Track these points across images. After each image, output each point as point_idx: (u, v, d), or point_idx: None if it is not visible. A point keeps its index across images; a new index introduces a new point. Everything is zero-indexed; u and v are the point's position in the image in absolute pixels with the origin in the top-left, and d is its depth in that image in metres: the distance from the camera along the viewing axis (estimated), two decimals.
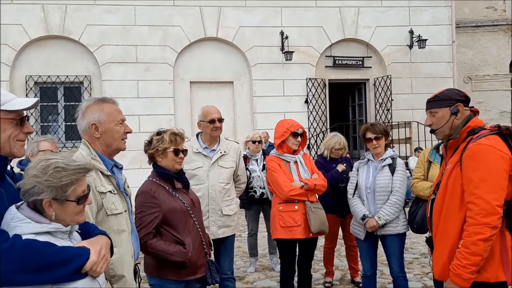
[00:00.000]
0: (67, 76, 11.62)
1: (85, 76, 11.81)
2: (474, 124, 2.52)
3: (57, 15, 11.59)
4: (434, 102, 2.63)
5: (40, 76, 11.46)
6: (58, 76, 11.55)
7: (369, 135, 4.20)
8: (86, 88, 11.83)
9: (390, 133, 7.57)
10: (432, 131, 2.67)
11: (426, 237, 2.93)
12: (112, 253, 1.87)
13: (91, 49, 11.78)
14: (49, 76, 11.48)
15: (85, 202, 1.77)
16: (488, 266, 2.33)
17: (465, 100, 2.60)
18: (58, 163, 1.68)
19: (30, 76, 11.43)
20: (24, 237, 1.58)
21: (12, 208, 1.66)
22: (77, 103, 11.79)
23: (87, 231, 1.85)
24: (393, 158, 4.18)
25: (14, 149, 1.77)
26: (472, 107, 2.63)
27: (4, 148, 1.74)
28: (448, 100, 2.57)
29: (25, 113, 1.84)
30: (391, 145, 4.27)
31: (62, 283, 1.60)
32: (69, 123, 11.69)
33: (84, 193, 1.76)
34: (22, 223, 1.61)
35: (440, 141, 3.46)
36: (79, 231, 1.81)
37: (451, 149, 2.59)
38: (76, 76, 11.72)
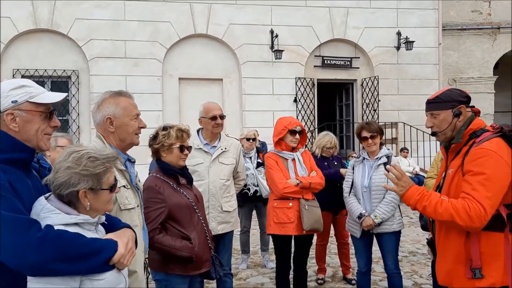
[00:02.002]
0: (55, 70, 11.50)
1: (73, 70, 11.71)
2: (475, 126, 2.46)
3: (46, 9, 11.46)
4: (436, 104, 2.55)
5: (27, 69, 11.32)
6: (45, 70, 11.42)
7: (365, 133, 4.25)
8: (73, 83, 11.73)
9: None
10: (433, 134, 2.59)
11: (427, 238, 2.94)
12: (136, 246, 1.89)
13: (80, 43, 11.68)
14: (36, 69, 11.35)
15: (115, 190, 1.81)
16: (494, 271, 2.31)
17: (467, 100, 2.53)
18: (90, 153, 1.71)
19: (18, 69, 11.28)
20: (55, 227, 1.60)
21: (42, 199, 1.68)
22: None
23: (112, 224, 1.87)
24: (388, 157, 4.24)
25: (41, 142, 1.78)
26: (473, 106, 2.58)
27: (31, 141, 1.75)
28: (450, 102, 2.50)
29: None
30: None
31: (92, 274, 1.62)
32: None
33: (114, 181, 1.80)
34: (52, 214, 1.63)
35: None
36: (106, 222, 1.83)
37: (453, 152, 2.54)
38: (64, 70, 11.61)
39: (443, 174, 2.63)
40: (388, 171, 2.55)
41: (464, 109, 2.49)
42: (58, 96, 1.81)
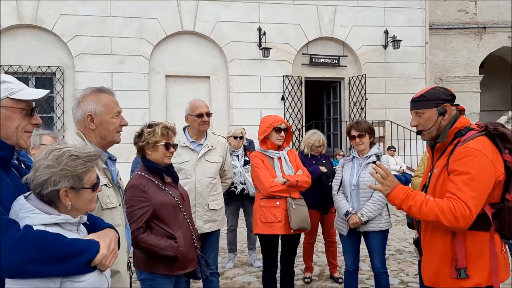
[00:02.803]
0: (39, 66, 11.32)
1: (58, 67, 11.53)
2: (460, 125, 2.45)
3: (30, 4, 11.25)
4: (420, 102, 2.52)
5: (11, 66, 11.10)
6: (29, 66, 11.23)
7: (353, 132, 4.25)
8: (58, 79, 11.56)
9: None
10: (418, 132, 2.57)
11: (413, 238, 2.92)
12: (119, 246, 1.84)
13: (65, 40, 11.49)
14: (20, 66, 11.15)
15: (97, 189, 1.75)
16: (479, 270, 2.31)
17: (452, 99, 2.51)
18: (72, 151, 1.65)
19: (1, 65, 11.05)
20: (34, 228, 1.54)
21: (21, 198, 1.62)
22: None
23: (94, 224, 1.82)
24: (377, 156, 4.24)
25: (21, 140, 1.72)
26: (458, 105, 2.54)
27: (11, 138, 1.69)
28: (435, 100, 2.47)
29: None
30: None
31: (72, 275, 1.57)
32: (39, 115, 11.28)
33: (97, 180, 1.74)
34: (31, 214, 1.58)
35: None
36: (88, 222, 1.78)
37: (438, 151, 2.52)
38: (49, 66, 11.43)
39: (429, 173, 2.61)
40: (374, 171, 2.52)
41: (449, 107, 2.47)
42: (39, 93, 1.76)
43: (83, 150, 1.71)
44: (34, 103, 1.78)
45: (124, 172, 3.18)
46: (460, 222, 2.22)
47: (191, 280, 3.96)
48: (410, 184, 4.26)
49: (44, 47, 11.45)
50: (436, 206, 2.28)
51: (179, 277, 3.08)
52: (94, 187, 1.73)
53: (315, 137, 5.54)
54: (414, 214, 2.39)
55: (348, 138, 4.41)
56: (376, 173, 2.52)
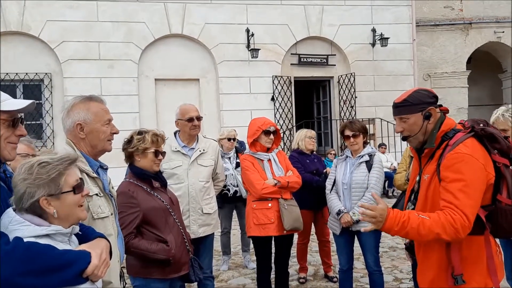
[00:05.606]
0: (27, 73, 11.22)
1: (46, 73, 11.45)
2: (446, 127, 2.39)
3: (16, 10, 11.16)
4: (404, 108, 2.43)
5: None
6: (17, 73, 11.12)
7: (347, 132, 4.27)
8: (46, 86, 11.47)
9: None
10: (404, 139, 2.50)
11: (405, 244, 2.87)
12: (111, 256, 1.83)
13: (52, 46, 11.41)
14: (7, 73, 11.02)
15: (82, 192, 1.74)
16: (477, 274, 2.27)
17: (435, 101, 2.45)
18: (41, 160, 1.65)
19: None
20: (24, 240, 1.53)
21: (10, 210, 1.60)
22: (37, 101, 11.41)
23: (86, 234, 1.81)
24: (370, 155, 4.26)
25: (5, 151, 1.69)
26: (441, 105, 2.48)
27: None
28: (419, 104, 2.40)
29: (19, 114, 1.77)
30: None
31: (64, 287, 1.56)
32: (28, 122, 11.26)
33: (77, 182, 1.72)
34: (21, 226, 1.56)
35: None
36: (80, 232, 1.77)
37: (426, 156, 2.46)
38: (36, 73, 11.34)
39: (417, 178, 2.54)
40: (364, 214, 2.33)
41: (434, 110, 2.41)
42: (20, 103, 1.72)
43: (55, 156, 1.71)
44: (20, 114, 1.75)
45: (115, 178, 3.16)
46: (461, 233, 2.16)
47: (186, 284, 3.96)
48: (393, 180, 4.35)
49: (31, 53, 11.37)
50: (435, 224, 2.17)
51: (174, 280, 3.08)
52: (76, 189, 1.71)
53: (304, 131, 5.67)
54: (413, 237, 2.28)
55: (341, 137, 4.44)
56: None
